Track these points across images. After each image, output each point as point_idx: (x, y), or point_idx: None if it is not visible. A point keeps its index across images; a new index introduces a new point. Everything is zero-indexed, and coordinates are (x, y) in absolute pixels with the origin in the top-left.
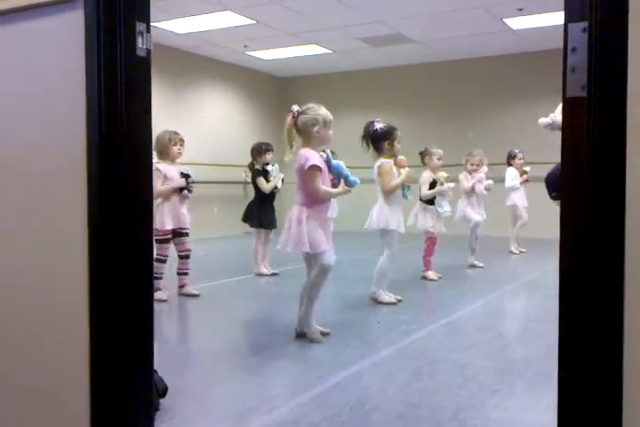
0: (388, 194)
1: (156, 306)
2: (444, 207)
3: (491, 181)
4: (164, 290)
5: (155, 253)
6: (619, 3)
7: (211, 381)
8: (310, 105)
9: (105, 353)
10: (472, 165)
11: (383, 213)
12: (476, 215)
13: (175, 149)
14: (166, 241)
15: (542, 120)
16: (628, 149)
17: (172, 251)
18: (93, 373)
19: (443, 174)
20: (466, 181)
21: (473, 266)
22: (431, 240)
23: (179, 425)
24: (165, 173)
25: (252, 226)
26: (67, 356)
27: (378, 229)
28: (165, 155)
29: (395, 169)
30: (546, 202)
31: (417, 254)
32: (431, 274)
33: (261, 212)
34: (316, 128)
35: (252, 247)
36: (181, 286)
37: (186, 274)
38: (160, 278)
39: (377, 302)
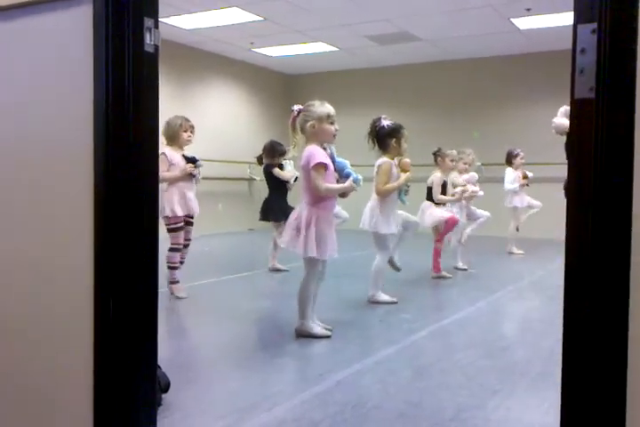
0: (380, 196)
1: (159, 302)
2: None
3: (481, 193)
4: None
5: (170, 242)
6: (628, 4)
7: (213, 377)
8: (311, 102)
9: (109, 348)
10: (465, 164)
11: (374, 214)
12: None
13: (185, 135)
14: (179, 229)
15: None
16: (635, 151)
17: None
18: (97, 367)
19: (459, 182)
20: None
21: (457, 268)
22: (453, 221)
23: (181, 420)
24: (172, 159)
25: (271, 220)
26: (71, 351)
27: (370, 231)
28: (175, 141)
29: (395, 170)
30: (547, 203)
31: (419, 254)
32: (444, 273)
33: (280, 205)
34: (309, 124)
35: (256, 244)
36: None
37: (182, 263)
38: (176, 269)
39: (377, 303)
